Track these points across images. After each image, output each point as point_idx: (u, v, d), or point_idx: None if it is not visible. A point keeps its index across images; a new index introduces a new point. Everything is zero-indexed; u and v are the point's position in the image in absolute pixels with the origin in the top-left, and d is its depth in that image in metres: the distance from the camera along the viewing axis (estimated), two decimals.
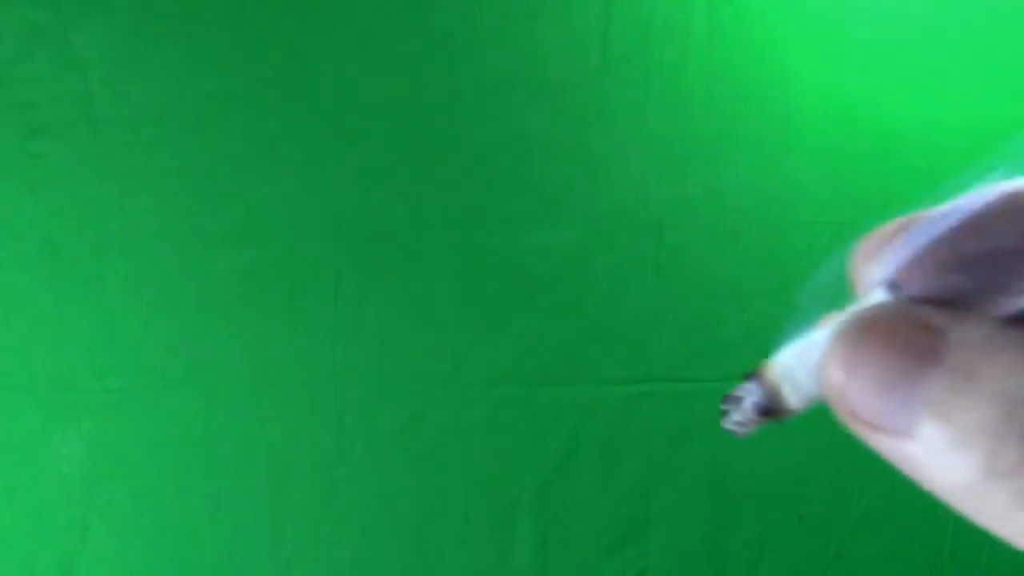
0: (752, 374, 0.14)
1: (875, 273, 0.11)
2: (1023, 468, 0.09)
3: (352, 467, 0.34)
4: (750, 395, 0.14)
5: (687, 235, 0.37)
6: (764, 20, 0.38)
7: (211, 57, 0.33)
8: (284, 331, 0.34)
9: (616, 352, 0.36)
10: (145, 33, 0.33)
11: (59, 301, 0.32)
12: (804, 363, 0.12)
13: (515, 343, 0.35)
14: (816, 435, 0.35)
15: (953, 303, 0.10)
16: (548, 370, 0.36)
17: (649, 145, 0.37)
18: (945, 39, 0.40)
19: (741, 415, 0.15)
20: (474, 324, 0.35)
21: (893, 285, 0.10)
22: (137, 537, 0.33)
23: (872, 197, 0.39)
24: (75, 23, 0.32)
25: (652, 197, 0.36)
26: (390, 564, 0.35)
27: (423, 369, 0.35)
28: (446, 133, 0.35)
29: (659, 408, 0.37)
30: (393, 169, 0.35)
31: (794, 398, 0.13)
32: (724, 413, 0.16)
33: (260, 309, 0.34)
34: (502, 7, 0.36)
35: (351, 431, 0.34)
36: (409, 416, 0.35)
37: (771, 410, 0.14)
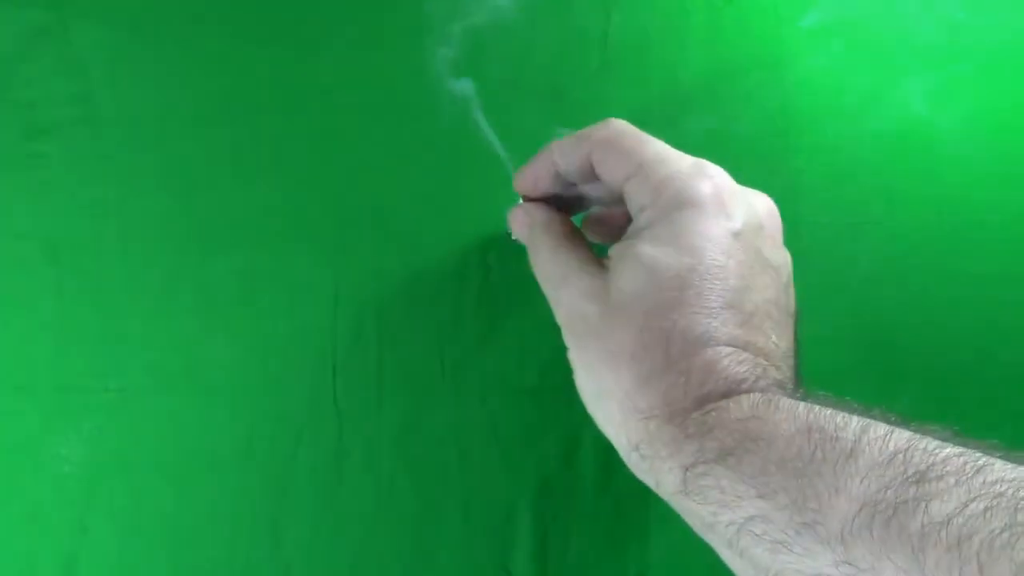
0: None
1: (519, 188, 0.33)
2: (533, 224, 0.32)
3: (352, 467, 0.34)
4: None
5: None
6: (764, 20, 0.38)
7: (211, 57, 0.33)
8: (284, 331, 0.34)
9: None
10: (145, 33, 0.33)
11: (59, 301, 0.32)
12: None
13: (515, 343, 0.35)
14: None
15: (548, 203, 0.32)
16: (548, 370, 0.36)
17: None
18: (947, 39, 0.40)
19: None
20: (474, 324, 0.35)
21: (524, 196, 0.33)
22: (137, 537, 0.33)
23: (872, 197, 0.39)
24: (75, 23, 0.32)
25: None
26: (390, 564, 0.35)
27: (423, 369, 0.35)
28: (446, 133, 0.35)
29: None
30: (394, 169, 0.35)
31: None
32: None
33: (260, 309, 0.34)
34: (503, 7, 0.36)
35: (351, 431, 0.34)
36: (409, 416, 0.35)
37: None
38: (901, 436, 0.21)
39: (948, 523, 0.19)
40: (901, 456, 0.20)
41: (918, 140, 0.40)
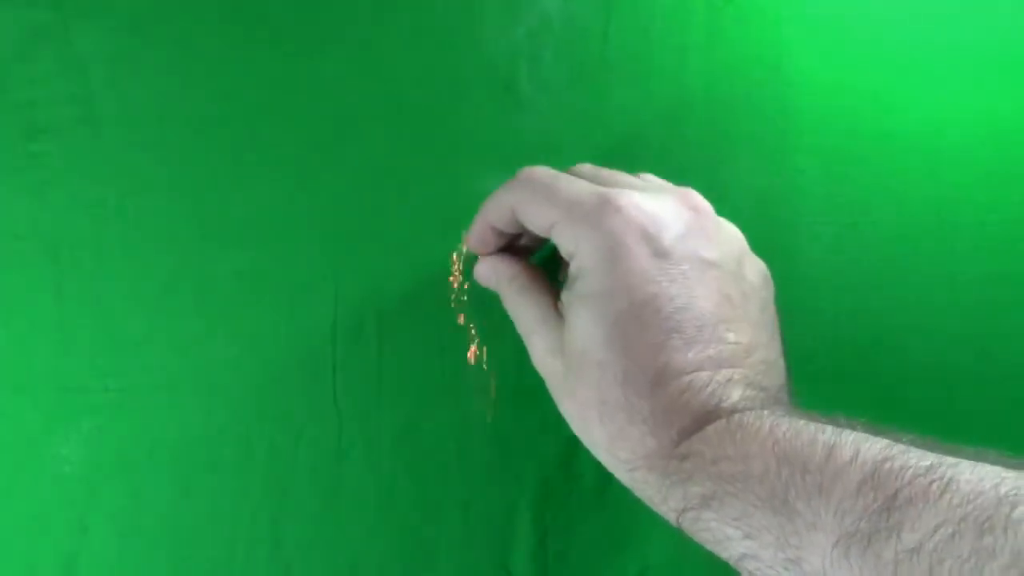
0: None
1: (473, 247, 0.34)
2: (483, 257, 0.34)
3: (352, 467, 0.34)
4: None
5: None
6: (764, 20, 0.38)
7: (211, 57, 0.33)
8: (284, 331, 0.34)
9: None
10: (145, 33, 0.33)
11: (59, 301, 0.32)
12: None
13: (516, 343, 0.35)
14: None
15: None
16: None
17: (648, 145, 0.37)
18: (946, 39, 0.40)
19: None
20: (474, 324, 0.35)
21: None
22: (137, 537, 0.33)
23: (872, 197, 0.39)
24: (75, 23, 0.32)
25: None
26: (390, 564, 0.35)
27: (423, 369, 0.35)
28: (446, 133, 0.35)
29: None
30: (394, 169, 0.35)
31: None
32: None
33: (260, 309, 0.34)
34: (503, 7, 0.36)
35: (351, 431, 0.34)
36: (409, 416, 0.35)
37: None
38: (867, 458, 0.21)
39: (919, 550, 0.19)
40: (869, 483, 0.21)
41: (918, 140, 0.40)
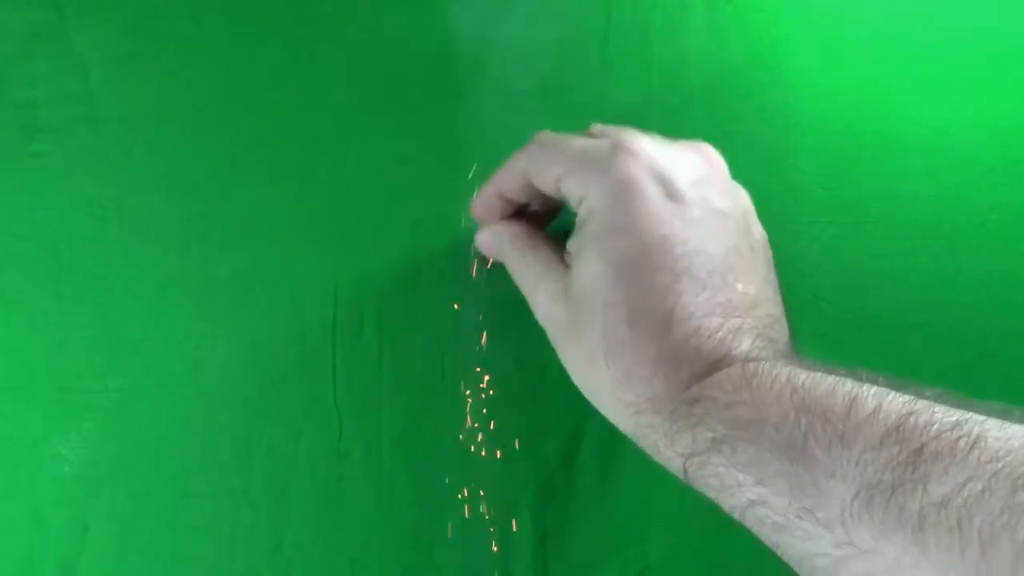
0: None
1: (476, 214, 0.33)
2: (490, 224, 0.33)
3: (352, 467, 0.34)
4: None
5: None
6: (764, 20, 0.38)
7: (211, 57, 0.33)
8: (284, 331, 0.34)
9: None
10: (145, 33, 0.33)
11: (59, 301, 0.32)
12: None
13: (516, 343, 0.35)
14: None
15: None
16: (548, 370, 0.36)
17: None
18: (947, 39, 0.40)
19: None
20: (474, 324, 0.35)
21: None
22: (137, 537, 0.33)
23: (872, 197, 0.39)
24: (75, 23, 0.32)
25: None
26: (390, 564, 0.35)
27: (423, 369, 0.35)
28: (446, 133, 0.35)
29: None
30: (394, 169, 0.35)
31: None
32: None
33: (260, 309, 0.34)
34: (503, 7, 0.36)
35: (351, 431, 0.34)
36: (409, 416, 0.35)
37: None
38: (891, 411, 0.21)
39: (947, 504, 0.19)
40: (893, 436, 0.20)
41: (918, 140, 0.40)
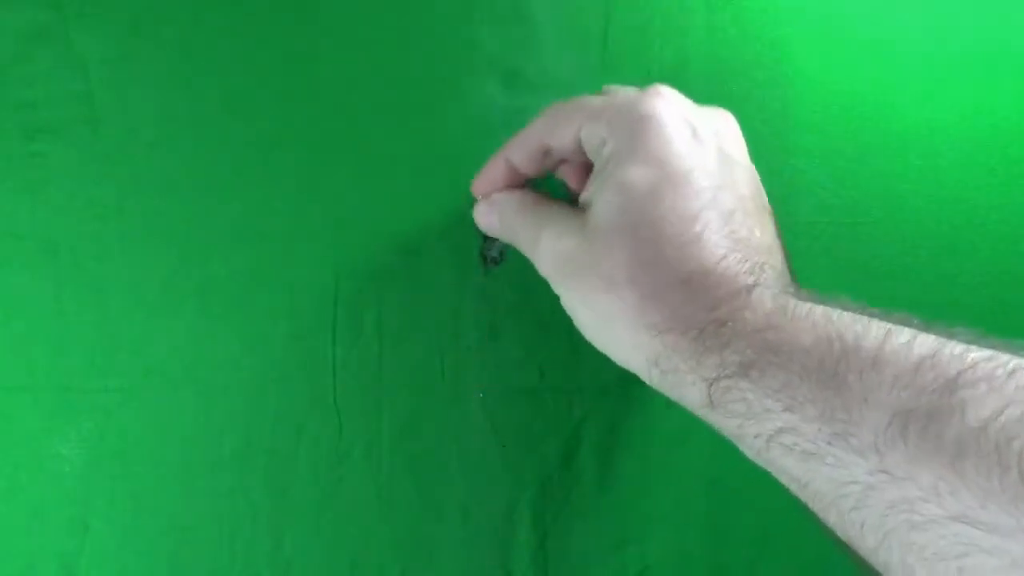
0: None
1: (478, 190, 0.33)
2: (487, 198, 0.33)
3: (352, 467, 0.34)
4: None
5: None
6: (764, 20, 0.38)
7: (211, 57, 0.33)
8: (284, 331, 0.34)
9: None
10: (145, 33, 0.33)
11: (59, 301, 0.32)
12: None
13: (516, 343, 0.35)
14: None
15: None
16: (548, 370, 0.36)
17: None
18: (947, 39, 0.40)
19: (496, 251, 0.35)
20: (474, 324, 0.35)
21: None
22: (137, 537, 0.33)
23: (872, 197, 0.39)
24: (75, 23, 0.32)
25: None
26: (390, 564, 0.35)
27: (423, 369, 0.35)
28: (446, 133, 0.35)
29: (659, 408, 0.37)
30: (393, 169, 0.35)
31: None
32: (487, 249, 0.35)
33: (260, 309, 0.34)
34: (502, 7, 0.36)
35: (351, 431, 0.34)
36: (409, 416, 0.35)
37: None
38: (925, 341, 0.20)
39: (984, 429, 0.18)
40: (928, 362, 0.20)
41: (918, 140, 0.40)
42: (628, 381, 0.36)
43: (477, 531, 0.35)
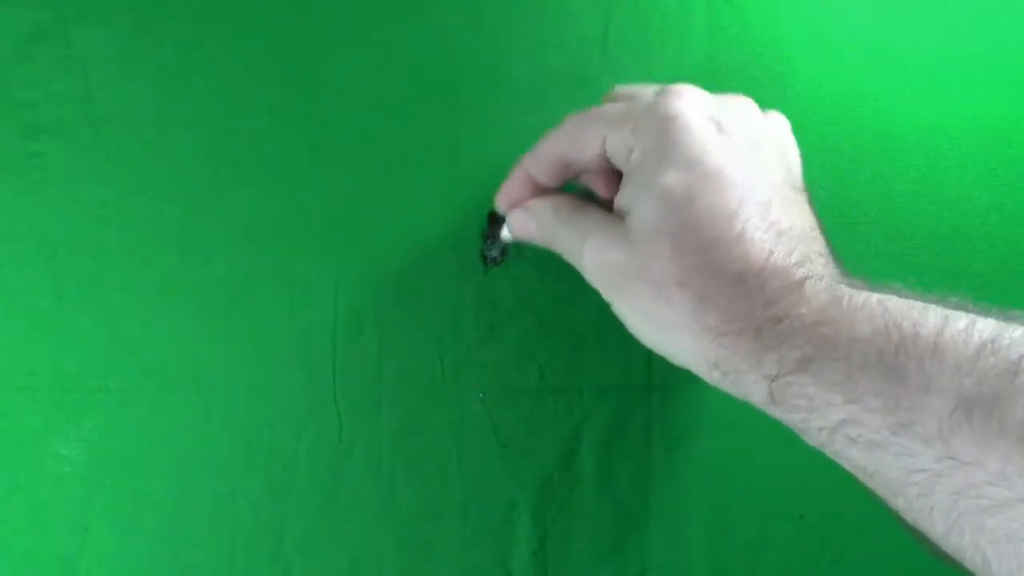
0: (500, 219, 0.34)
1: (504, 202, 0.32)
2: (523, 205, 0.32)
3: (352, 467, 0.34)
4: (504, 235, 0.34)
5: None
6: (764, 20, 0.38)
7: (211, 57, 0.33)
8: (284, 331, 0.34)
9: (616, 353, 0.36)
10: (145, 33, 0.33)
11: (59, 301, 0.32)
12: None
13: (515, 343, 0.35)
14: None
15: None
16: (548, 370, 0.36)
17: None
18: (946, 39, 0.40)
19: (496, 251, 0.35)
20: (474, 324, 0.35)
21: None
22: (137, 537, 0.33)
23: (872, 197, 0.39)
24: (75, 23, 0.32)
25: None
26: (390, 564, 0.35)
27: (423, 369, 0.35)
28: (446, 133, 0.35)
29: (659, 408, 0.37)
30: (393, 169, 0.35)
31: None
32: (488, 249, 0.35)
33: (260, 309, 0.34)
34: (503, 7, 0.36)
35: (351, 431, 0.34)
36: (409, 416, 0.35)
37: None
38: (985, 327, 0.20)
39: None
40: (989, 347, 0.20)
41: (918, 140, 0.40)
42: (628, 382, 0.36)
43: (477, 531, 0.35)
